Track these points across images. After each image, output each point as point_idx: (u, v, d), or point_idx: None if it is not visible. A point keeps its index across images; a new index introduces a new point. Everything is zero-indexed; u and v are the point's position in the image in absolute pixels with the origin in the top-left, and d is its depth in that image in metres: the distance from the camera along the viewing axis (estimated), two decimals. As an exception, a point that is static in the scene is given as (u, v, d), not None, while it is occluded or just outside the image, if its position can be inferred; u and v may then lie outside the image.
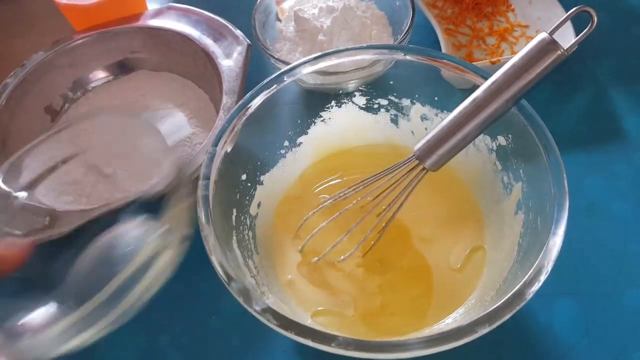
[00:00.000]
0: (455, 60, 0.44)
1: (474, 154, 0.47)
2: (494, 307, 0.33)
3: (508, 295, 0.33)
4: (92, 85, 0.61)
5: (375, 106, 0.50)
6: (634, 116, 0.56)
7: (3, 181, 0.51)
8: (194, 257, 0.52)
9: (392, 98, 0.50)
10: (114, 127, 0.50)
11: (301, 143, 0.50)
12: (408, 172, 0.42)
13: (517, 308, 0.33)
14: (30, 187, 0.53)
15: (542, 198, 0.38)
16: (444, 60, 0.45)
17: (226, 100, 0.52)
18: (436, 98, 0.48)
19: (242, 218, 0.45)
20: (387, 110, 0.50)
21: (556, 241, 0.35)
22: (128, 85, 0.60)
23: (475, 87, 0.41)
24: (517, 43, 0.60)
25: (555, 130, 0.40)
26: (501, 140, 0.44)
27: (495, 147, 0.45)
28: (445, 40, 0.58)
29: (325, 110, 0.50)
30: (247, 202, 0.46)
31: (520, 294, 0.33)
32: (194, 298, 0.49)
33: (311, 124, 0.50)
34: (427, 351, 0.32)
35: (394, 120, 0.51)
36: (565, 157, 0.38)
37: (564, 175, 0.37)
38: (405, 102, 0.49)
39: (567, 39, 0.55)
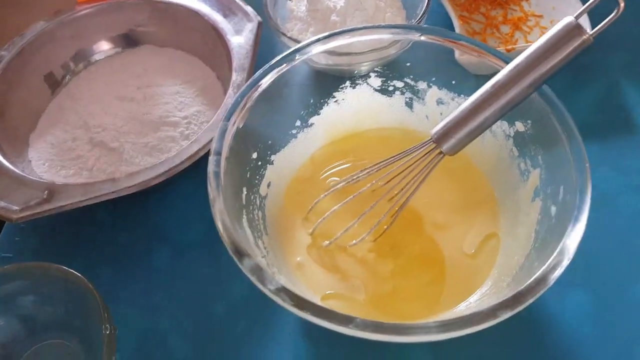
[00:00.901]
0: (472, 42, 0.43)
1: (490, 140, 0.46)
2: (516, 291, 0.32)
3: (530, 280, 0.32)
4: (95, 57, 0.59)
5: (391, 88, 0.49)
6: (646, 109, 0.56)
7: (1, 155, 0.49)
8: (199, 241, 0.51)
9: (408, 80, 0.48)
10: None
11: (313, 124, 0.49)
12: (424, 156, 0.41)
13: (540, 293, 0.32)
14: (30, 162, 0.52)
15: (562, 185, 0.38)
16: (461, 42, 0.43)
17: (236, 77, 0.50)
18: (453, 82, 0.47)
19: (252, 197, 0.43)
20: (403, 93, 0.49)
21: (579, 228, 0.34)
22: (132, 59, 0.58)
23: (492, 73, 0.40)
24: (531, 32, 0.59)
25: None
26: (519, 126, 0.43)
27: (512, 133, 0.44)
28: (459, 26, 0.57)
29: (338, 91, 0.49)
30: (257, 182, 0.45)
31: (543, 279, 0.32)
32: (199, 282, 0.47)
33: (324, 105, 0.49)
34: (444, 335, 0.32)
35: (409, 104, 0.50)
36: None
37: (587, 161, 0.37)
38: (422, 85, 0.48)
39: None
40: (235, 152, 0.41)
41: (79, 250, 0.50)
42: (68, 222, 0.51)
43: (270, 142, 0.46)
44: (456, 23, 0.58)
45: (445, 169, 0.43)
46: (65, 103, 0.55)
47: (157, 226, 0.51)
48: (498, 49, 0.55)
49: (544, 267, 0.33)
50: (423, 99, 0.49)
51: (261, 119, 0.44)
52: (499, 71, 0.38)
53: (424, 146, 0.41)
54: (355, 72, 0.49)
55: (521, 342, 0.43)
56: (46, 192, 0.45)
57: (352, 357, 0.43)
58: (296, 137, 0.48)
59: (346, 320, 0.31)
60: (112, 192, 0.45)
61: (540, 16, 0.61)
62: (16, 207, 0.45)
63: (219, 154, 0.39)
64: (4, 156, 0.49)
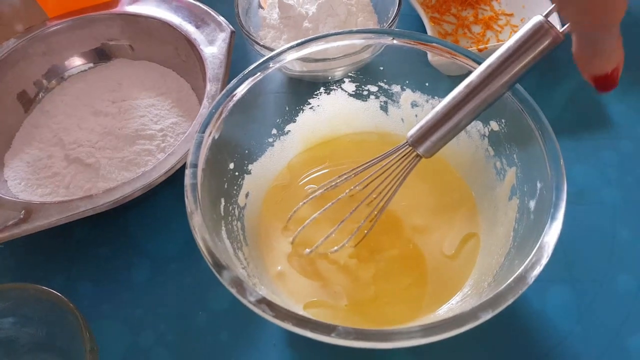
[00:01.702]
0: (444, 44, 0.43)
1: (466, 141, 0.46)
2: (496, 292, 0.32)
3: (510, 280, 0.32)
4: (68, 73, 0.58)
5: (365, 93, 0.49)
6: (618, 103, 0.56)
7: None
8: (179, 252, 0.51)
9: (382, 84, 0.48)
10: None
11: (289, 131, 0.49)
12: (400, 159, 0.41)
13: (520, 292, 0.32)
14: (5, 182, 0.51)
15: (538, 182, 0.38)
16: (434, 44, 0.43)
17: (210, 87, 0.50)
18: (427, 84, 0.47)
19: (231, 208, 0.43)
20: (377, 97, 0.49)
21: (556, 225, 0.34)
22: (106, 73, 0.57)
23: (465, 74, 0.40)
24: (502, 31, 0.60)
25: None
26: (494, 125, 0.44)
27: (487, 133, 0.44)
28: (431, 28, 0.57)
29: (313, 97, 0.49)
30: (235, 192, 0.44)
31: (522, 278, 0.32)
32: (180, 294, 0.47)
33: (299, 112, 0.49)
34: (428, 339, 0.31)
35: (384, 107, 0.50)
36: (552, 145, 0.38)
37: (561, 158, 0.37)
38: (396, 88, 0.48)
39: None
40: (212, 163, 0.40)
41: (58, 267, 0.49)
42: (46, 240, 0.50)
43: (247, 151, 0.46)
44: (428, 25, 0.58)
45: (422, 172, 0.43)
46: (39, 120, 0.54)
47: (136, 240, 0.50)
48: (470, 49, 0.55)
49: (523, 266, 0.33)
50: (398, 102, 0.49)
51: (237, 128, 0.44)
52: (471, 72, 0.38)
53: (400, 150, 0.41)
54: (330, 77, 0.49)
55: (505, 340, 0.43)
56: (23, 212, 0.45)
57: None
58: (273, 146, 0.48)
59: (328, 329, 0.31)
60: (90, 209, 0.44)
61: (511, 15, 0.61)
62: None
63: (195, 166, 0.38)
64: None
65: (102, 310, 0.46)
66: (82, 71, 0.59)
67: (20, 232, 0.44)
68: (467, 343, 0.43)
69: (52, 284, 0.41)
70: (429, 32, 0.57)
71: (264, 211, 0.47)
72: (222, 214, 0.42)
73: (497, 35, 0.60)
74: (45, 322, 0.42)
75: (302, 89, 0.49)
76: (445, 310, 0.40)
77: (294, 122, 0.49)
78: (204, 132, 0.40)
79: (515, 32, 0.59)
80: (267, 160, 0.48)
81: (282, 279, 0.43)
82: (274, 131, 0.48)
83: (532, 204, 0.38)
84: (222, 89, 0.49)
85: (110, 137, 0.51)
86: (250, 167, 0.46)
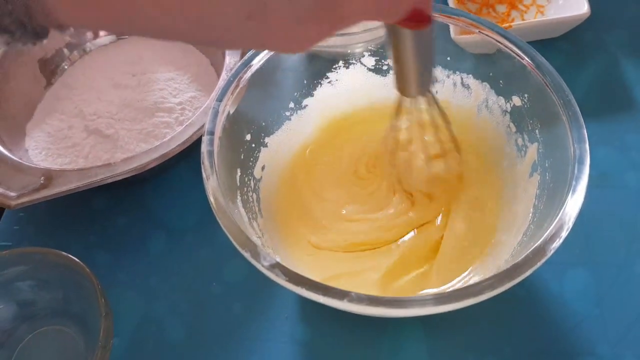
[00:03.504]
0: (469, 17, 0.42)
1: (487, 117, 0.45)
2: (514, 263, 0.31)
3: (528, 252, 0.31)
4: (90, 46, 0.58)
5: (385, 67, 0.48)
6: (645, 86, 0.55)
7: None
8: (195, 224, 0.50)
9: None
10: None
11: (307, 105, 0.48)
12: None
13: (538, 264, 0.31)
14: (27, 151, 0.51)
15: (560, 156, 0.37)
16: (459, 17, 0.42)
17: (229, 60, 0.49)
18: (448, 58, 0.46)
19: (246, 179, 0.43)
20: None
21: (577, 197, 0.33)
22: (127, 47, 0.57)
23: (491, 53, 0.39)
24: (528, 11, 0.58)
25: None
26: (516, 100, 0.42)
27: (509, 109, 0.43)
28: (455, 6, 0.56)
29: (332, 72, 0.48)
30: (251, 164, 0.44)
31: (541, 250, 0.31)
32: (195, 265, 0.47)
33: (318, 86, 0.48)
34: (441, 308, 0.30)
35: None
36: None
37: (584, 128, 0.36)
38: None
39: (579, 4, 0.54)
40: (229, 133, 0.40)
41: (77, 235, 0.50)
42: (65, 208, 0.51)
43: (264, 123, 0.45)
44: (452, 3, 0.56)
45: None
46: (60, 92, 0.55)
47: (153, 211, 0.50)
48: None
49: (542, 238, 0.32)
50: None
51: (254, 100, 0.43)
52: (495, 49, 0.38)
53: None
54: (349, 52, 0.49)
55: (521, 322, 0.42)
56: (43, 178, 0.45)
57: (348, 339, 0.42)
58: (290, 120, 0.47)
59: (341, 294, 0.30)
60: (108, 177, 0.44)
61: None
62: (14, 194, 0.44)
63: (212, 133, 0.38)
64: (2, 145, 0.49)
65: (118, 279, 0.47)
66: (103, 44, 0.59)
67: (40, 198, 0.44)
68: (481, 323, 0.42)
69: (69, 251, 0.41)
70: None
71: (281, 187, 0.46)
72: (238, 184, 0.41)
73: (522, 14, 0.58)
74: (62, 286, 0.43)
75: (321, 62, 0.48)
76: (461, 284, 0.40)
77: (312, 96, 0.48)
78: (221, 100, 0.40)
79: (542, 12, 0.58)
80: (284, 134, 0.47)
81: (303, 252, 0.43)
82: (291, 105, 0.47)
83: (553, 179, 0.37)
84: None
85: (129, 109, 0.51)
86: (267, 140, 0.45)
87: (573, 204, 0.33)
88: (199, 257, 0.47)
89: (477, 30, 0.41)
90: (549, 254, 0.31)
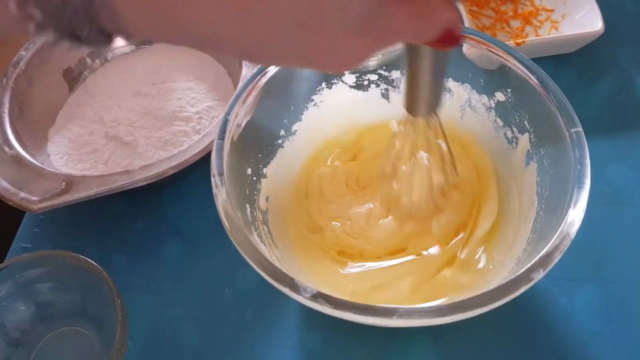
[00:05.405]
0: (480, 35, 0.39)
1: (471, 116, 0.43)
2: (544, 251, 0.29)
3: (554, 239, 0.29)
4: (111, 54, 0.55)
5: (366, 83, 0.45)
6: (658, 103, 0.48)
7: (22, 148, 0.50)
8: (210, 231, 0.46)
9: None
10: None
11: (296, 131, 0.43)
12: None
13: (565, 248, 0.29)
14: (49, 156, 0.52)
15: (556, 141, 0.35)
16: (469, 35, 0.39)
17: (245, 72, 0.46)
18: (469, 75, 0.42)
19: (255, 213, 0.38)
20: (377, 86, 0.46)
21: (584, 190, 0.31)
22: (147, 56, 0.53)
23: (501, 67, 0.37)
24: (542, 27, 0.53)
25: (578, 115, 0.34)
26: (499, 96, 0.40)
27: (493, 105, 0.41)
28: (469, 21, 0.50)
29: (316, 94, 0.45)
30: (255, 197, 0.40)
31: (566, 235, 0.30)
32: (208, 271, 0.43)
33: (304, 109, 0.44)
34: (441, 320, 0.28)
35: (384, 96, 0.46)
36: (589, 144, 0.33)
37: (571, 108, 0.34)
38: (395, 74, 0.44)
39: (594, 20, 0.52)
40: (232, 169, 0.37)
41: (95, 239, 0.45)
42: (84, 212, 0.47)
43: (260, 154, 0.41)
44: (466, 18, 0.51)
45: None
46: (82, 99, 0.50)
47: (170, 217, 0.46)
48: (509, 42, 0.50)
49: (562, 226, 0.30)
50: (399, 88, 0.45)
51: (249, 131, 0.39)
52: (506, 65, 0.36)
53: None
54: (363, 68, 0.46)
55: (531, 337, 0.38)
56: (64, 183, 0.41)
57: (358, 346, 0.39)
58: (283, 147, 0.43)
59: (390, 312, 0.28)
60: (128, 184, 0.41)
61: (552, 10, 0.54)
62: (36, 198, 0.41)
63: (221, 174, 0.36)
64: (25, 150, 0.45)
65: (134, 283, 0.42)
66: (124, 53, 0.55)
67: (61, 203, 0.40)
68: (489, 336, 0.38)
69: (88, 254, 0.37)
70: (467, 25, 0.52)
71: (286, 215, 0.43)
72: (250, 220, 0.38)
73: (536, 30, 0.52)
74: (80, 289, 0.38)
75: (305, 84, 0.45)
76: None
77: (300, 120, 0.44)
78: (222, 139, 0.37)
79: (556, 28, 0.57)
80: (279, 162, 0.42)
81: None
82: (282, 132, 0.43)
83: (554, 163, 0.35)
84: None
85: (148, 117, 0.47)
86: (264, 170, 0.41)
87: (582, 196, 0.31)
88: (212, 264, 0.43)
89: (485, 49, 0.40)
90: (573, 236, 0.30)
